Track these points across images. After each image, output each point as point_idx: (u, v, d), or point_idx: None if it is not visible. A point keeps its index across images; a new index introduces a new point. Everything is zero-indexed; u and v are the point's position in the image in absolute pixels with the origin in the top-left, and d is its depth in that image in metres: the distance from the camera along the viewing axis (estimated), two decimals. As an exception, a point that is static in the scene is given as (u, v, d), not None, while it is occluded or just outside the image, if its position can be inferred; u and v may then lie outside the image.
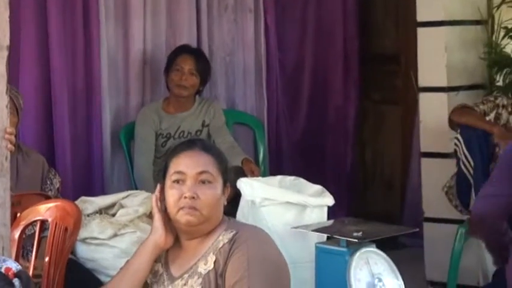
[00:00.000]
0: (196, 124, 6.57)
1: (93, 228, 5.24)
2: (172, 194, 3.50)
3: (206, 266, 3.47)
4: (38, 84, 6.36)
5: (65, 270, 4.28)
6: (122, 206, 5.48)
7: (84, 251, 5.24)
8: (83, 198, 5.48)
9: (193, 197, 3.45)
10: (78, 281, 4.74)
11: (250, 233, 3.61)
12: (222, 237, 3.51)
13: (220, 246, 3.47)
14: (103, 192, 6.29)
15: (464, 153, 6.20)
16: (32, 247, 4.43)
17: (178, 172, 3.52)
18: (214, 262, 3.44)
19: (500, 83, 6.70)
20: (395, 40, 7.87)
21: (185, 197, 3.46)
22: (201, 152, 3.60)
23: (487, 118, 6.23)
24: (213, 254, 3.47)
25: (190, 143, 3.81)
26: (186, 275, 3.52)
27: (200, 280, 3.46)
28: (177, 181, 3.51)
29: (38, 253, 4.37)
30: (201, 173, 3.50)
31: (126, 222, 5.36)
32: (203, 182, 3.49)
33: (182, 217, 3.47)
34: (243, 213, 4.97)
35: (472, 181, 6.21)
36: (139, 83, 6.89)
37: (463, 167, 6.23)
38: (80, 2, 6.45)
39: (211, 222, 3.53)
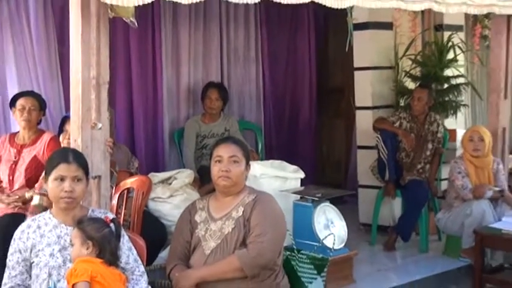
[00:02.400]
0: (221, 129, 6.49)
1: (158, 191, 5.29)
2: (214, 169, 3.67)
3: (237, 213, 3.64)
4: (124, 105, 6.45)
5: (142, 216, 4.43)
6: (175, 178, 5.52)
7: (153, 205, 5.27)
8: (152, 173, 5.51)
9: (227, 171, 3.63)
10: (149, 222, 4.76)
11: (265, 195, 3.78)
12: (247, 197, 3.69)
13: (246, 202, 3.66)
14: (164, 169, 6.33)
15: (381, 146, 6.31)
16: (123, 203, 4.53)
17: (218, 155, 3.69)
18: (243, 211, 3.62)
19: (402, 104, 6.77)
20: (341, 79, 7.82)
21: (222, 171, 3.64)
22: (232, 143, 3.77)
23: (395, 125, 6.32)
24: (242, 206, 3.65)
25: (226, 139, 4.04)
26: (224, 218, 3.66)
27: (233, 221, 3.63)
28: (217, 161, 3.69)
29: (126, 207, 4.50)
30: (232, 156, 3.67)
31: (178, 188, 5.40)
32: (233, 162, 3.67)
33: (220, 182, 3.66)
34: (249, 183, 4.94)
35: (386, 163, 6.29)
36: (186, 104, 6.90)
37: (381, 154, 6.34)
38: (150, 53, 6.53)
39: (238, 186, 3.70)
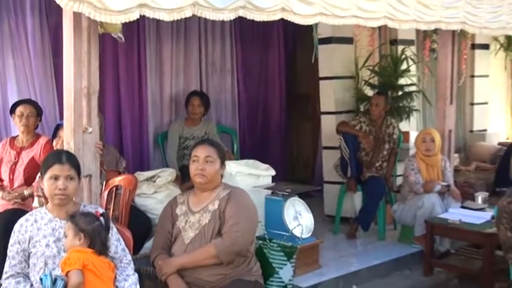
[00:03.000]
0: (201, 133, 6.43)
1: (144, 188, 5.32)
2: (192, 168, 3.67)
3: (213, 206, 3.64)
4: (113, 111, 6.41)
5: (129, 211, 4.46)
6: (159, 176, 5.51)
7: (139, 200, 5.29)
8: (138, 172, 5.51)
9: (202, 169, 3.63)
10: (136, 216, 4.76)
11: (238, 190, 3.78)
12: (222, 192, 3.68)
13: (221, 196, 3.66)
14: (149, 168, 6.27)
15: (344, 146, 6.30)
16: (112, 199, 4.52)
17: (195, 156, 3.69)
18: (219, 205, 3.61)
19: (362, 109, 6.77)
20: (307, 87, 7.81)
21: (198, 169, 3.64)
22: (208, 145, 3.75)
23: (355, 128, 6.32)
24: (218, 200, 3.64)
25: (203, 141, 3.99)
26: (201, 211, 3.65)
27: (210, 214, 3.63)
28: (194, 160, 3.68)
29: (115, 202, 4.49)
30: (207, 156, 3.66)
31: (161, 185, 5.43)
32: (208, 161, 3.66)
33: (197, 179, 3.65)
34: (225, 180, 4.89)
35: (348, 161, 6.28)
36: (168, 110, 6.86)
37: (343, 154, 6.32)
38: (136, 65, 6.48)
39: (213, 183, 3.69)
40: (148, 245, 4.60)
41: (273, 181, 5.45)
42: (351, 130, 6.37)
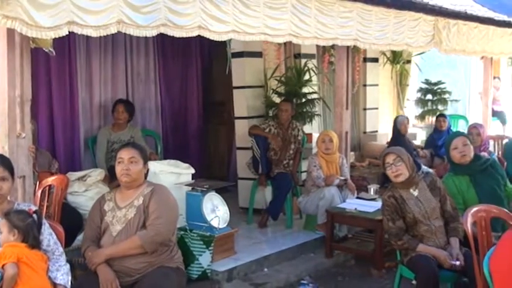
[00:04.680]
0: (127, 137, 6.33)
1: (75, 187, 5.28)
2: (118, 168, 3.61)
3: (138, 202, 3.59)
4: (47, 118, 6.26)
5: (61, 207, 4.37)
6: (89, 176, 5.46)
7: (71, 198, 5.22)
8: (70, 172, 5.47)
9: (127, 169, 3.58)
10: (68, 212, 4.68)
11: (160, 187, 3.73)
12: (146, 189, 3.63)
13: (145, 193, 3.61)
14: (80, 169, 6.14)
15: (256, 147, 6.33)
16: (46, 197, 4.41)
17: (120, 157, 3.64)
18: (143, 200, 3.57)
19: (270, 114, 6.80)
20: (223, 95, 7.72)
21: (123, 169, 3.59)
22: (131, 148, 3.71)
23: (265, 131, 6.38)
24: (142, 196, 3.59)
25: (126, 144, 3.96)
26: (127, 206, 3.61)
27: (135, 209, 3.58)
28: (120, 162, 3.63)
29: (48, 200, 4.39)
30: (131, 157, 3.61)
31: (91, 183, 5.38)
32: (132, 162, 3.62)
33: (122, 178, 3.60)
34: (150, 178, 4.74)
35: (259, 160, 6.33)
36: (98, 116, 6.76)
37: (255, 153, 6.35)
38: (67, 76, 6.32)
39: (137, 181, 3.64)
40: (80, 238, 4.48)
41: (192, 178, 5.42)
42: (262, 133, 6.41)
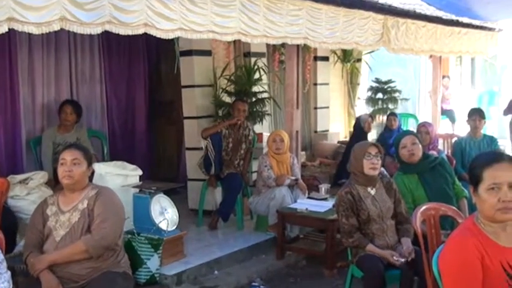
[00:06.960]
0: (73, 139, 6.16)
1: (16, 190, 5.14)
2: (60, 170, 3.56)
3: (83, 205, 3.54)
4: None
5: (1, 212, 4.35)
6: (31, 179, 5.33)
7: (12, 202, 5.07)
8: (11, 175, 5.33)
9: (69, 171, 3.53)
10: (7, 215, 4.65)
11: (105, 189, 3.69)
12: (91, 192, 3.58)
13: (90, 196, 3.56)
14: (22, 171, 6.00)
15: (211, 148, 6.29)
16: None
17: (63, 159, 3.58)
18: (87, 204, 3.52)
19: (220, 114, 6.81)
20: (171, 94, 7.70)
21: (65, 171, 3.53)
22: (75, 149, 3.65)
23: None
24: (86, 199, 3.55)
25: (69, 145, 3.83)
26: (71, 210, 3.55)
27: (79, 212, 3.53)
28: (62, 163, 3.57)
29: None
30: (74, 159, 3.57)
31: (34, 187, 5.26)
32: (75, 164, 3.57)
33: (65, 180, 3.55)
34: (95, 180, 4.82)
35: (213, 161, 6.31)
36: (41, 116, 6.65)
37: (209, 154, 6.30)
38: (8, 75, 6.16)
39: (80, 183, 3.60)
40: (22, 244, 4.38)
41: (140, 180, 5.39)
42: (214, 129, 6.39)
